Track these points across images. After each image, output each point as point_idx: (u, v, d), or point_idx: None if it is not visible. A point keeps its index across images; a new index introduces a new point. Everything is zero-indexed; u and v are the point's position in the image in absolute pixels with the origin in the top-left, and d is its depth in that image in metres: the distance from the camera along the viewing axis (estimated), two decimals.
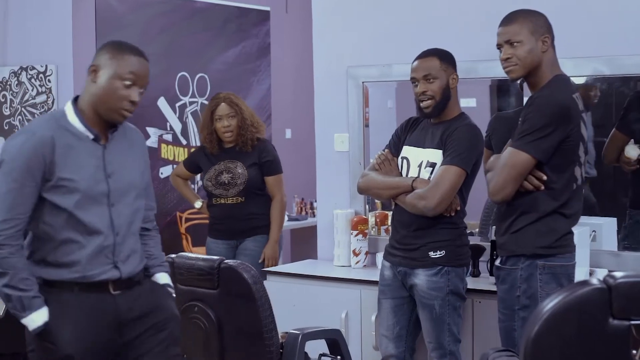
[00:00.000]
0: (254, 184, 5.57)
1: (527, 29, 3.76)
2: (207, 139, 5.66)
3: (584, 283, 2.51)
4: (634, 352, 2.42)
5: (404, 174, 4.35)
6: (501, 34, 3.82)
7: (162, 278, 3.51)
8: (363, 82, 5.22)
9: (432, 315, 4.25)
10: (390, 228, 4.55)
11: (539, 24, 3.78)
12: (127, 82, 3.28)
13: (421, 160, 4.29)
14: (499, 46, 3.84)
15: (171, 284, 3.53)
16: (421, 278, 4.26)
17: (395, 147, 4.43)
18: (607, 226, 4.37)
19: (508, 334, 3.83)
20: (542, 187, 3.72)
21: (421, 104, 4.26)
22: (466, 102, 5.17)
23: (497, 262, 3.90)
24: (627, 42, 4.33)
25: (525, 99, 4.85)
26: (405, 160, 4.36)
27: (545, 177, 3.71)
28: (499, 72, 4.73)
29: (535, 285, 3.74)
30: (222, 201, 5.61)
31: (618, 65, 4.34)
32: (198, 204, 5.87)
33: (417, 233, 4.27)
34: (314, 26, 5.48)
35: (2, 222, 3.21)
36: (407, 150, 4.37)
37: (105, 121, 3.34)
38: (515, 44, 3.76)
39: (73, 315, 3.27)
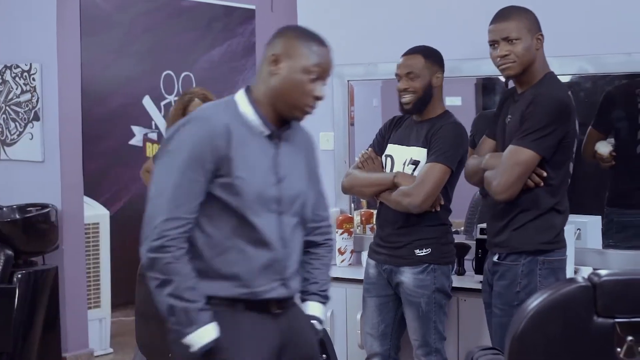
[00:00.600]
0: None
1: (524, 26, 3.77)
2: None
3: (569, 281, 2.52)
4: (618, 349, 2.42)
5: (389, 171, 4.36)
6: (497, 31, 3.82)
7: (314, 309, 3.15)
8: (348, 81, 5.22)
9: (419, 313, 4.26)
10: (375, 226, 4.54)
11: (533, 21, 3.82)
12: (313, 76, 2.93)
13: (405, 158, 4.29)
14: (494, 42, 3.83)
15: (322, 318, 3.17)
16: (407, 276, 4.26)
17: (379, 145, 4.43)
18: (592, 224, 4.39)
19: (505, 330, 3.83)
20: (542, 184, 3.76)
21: (401, 100, 4.28)
22: (451, 101, 5.18)
23: (495, 258, 3.90)
24: (611, 41, 4.35)
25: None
26: (389, 158, 4.36)
27: (545, 174, 3.74)
28: (485, 71, 4.76)
29: (535, 281, 3.79)
30: None
31: (602, 64, 4.36)
32: None
33: (402, 231, 4.27)
34: (299, 25, 5.47)
35: (166, 221, 2.81)
36: (391, 149, 4.38)
37: (281, 117, 2.97)
38: (513, 40, 3.77)
39: (239, 336, 2.91)
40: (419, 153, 4.25)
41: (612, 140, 4.64)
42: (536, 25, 3.81)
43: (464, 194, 5.18)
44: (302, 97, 2.94)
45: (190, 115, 2.96)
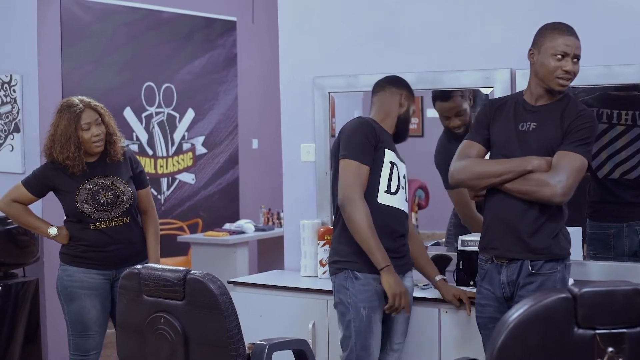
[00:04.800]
0: (136, 200, 4.85)
1: None
2: (73, 156, 4.67)
3: (549, 292, 2.52)
4: None
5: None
6: (573, 46, 3.87)
7: None
8: (329, 93, 5.22)
9: (409, 315, 4.33)
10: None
11: None
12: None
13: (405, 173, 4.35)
14: (565, 55, 3.86)
15: None
16: (409, 280, 4.32)
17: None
18: (573, 236, 4.40)
19: None
20: None
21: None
22: (432, 113, 5.19)
23: (530, 269, 3.87)
24: (590, 53, 4.37)
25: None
26: (395, 167, 4.29)
27: None
28: (464, 82, 4.77)
29: (567, 285, 3.85)
30: (103, 225, 4.74)
31: (582, 76, 4.37)
32: (53, 231, 4.81)
33: (404, 240, 4.30)
34: (280, 36, 5.48)
35: None
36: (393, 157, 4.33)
37: None
38: (577, 60, 3.89)
39: None
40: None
41: None
42: None
43: (446, 205, 5.19)
44: None
45: None
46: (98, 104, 4.79)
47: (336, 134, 4.41)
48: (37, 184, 4.82)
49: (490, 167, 3.93)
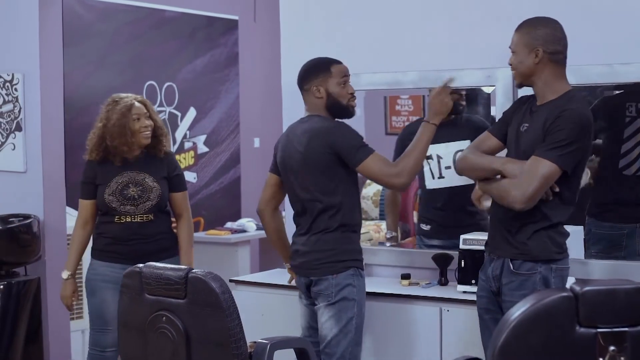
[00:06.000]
0: (164, 199, 4.94)
1: (522, 40, 3.84)
2: (130, 142, 4.85)
3: (551, 291, 2.52)
4: (601, 359, 2.43)
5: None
6: (512, 40, 3.92)
7: None
8: None
9: None
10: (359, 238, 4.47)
11: (536, 36, 3.82)
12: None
13: None
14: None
15: None
16: None
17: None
18: (574, 235, 4.40)
19: None
20: (551, 198, 3.78)
21: None
22: None
23: (512, 268, 3.85)
24: (593, 52, 4.37)
25: (493, 109, 4.90)
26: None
27: (557, 189, 3.77)
28: (466, 82, 4.78)
29: (550, 287, 3.81)
30: (128, 219, 4.87)
31: (584, 74, 4.38)
32: (64, 274, 5.03)
33: None
34: (282, 35, 5.47)
35: None
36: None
37: None
38: (513, 52, 3.89)
39: None
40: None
41: None
42: (538, 40, 3.81)
43: None
44: None
45: None
46: (146, 100, 4.99)
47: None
48: (88, 189, 4.95)
49: (478, 161, 3.96)
